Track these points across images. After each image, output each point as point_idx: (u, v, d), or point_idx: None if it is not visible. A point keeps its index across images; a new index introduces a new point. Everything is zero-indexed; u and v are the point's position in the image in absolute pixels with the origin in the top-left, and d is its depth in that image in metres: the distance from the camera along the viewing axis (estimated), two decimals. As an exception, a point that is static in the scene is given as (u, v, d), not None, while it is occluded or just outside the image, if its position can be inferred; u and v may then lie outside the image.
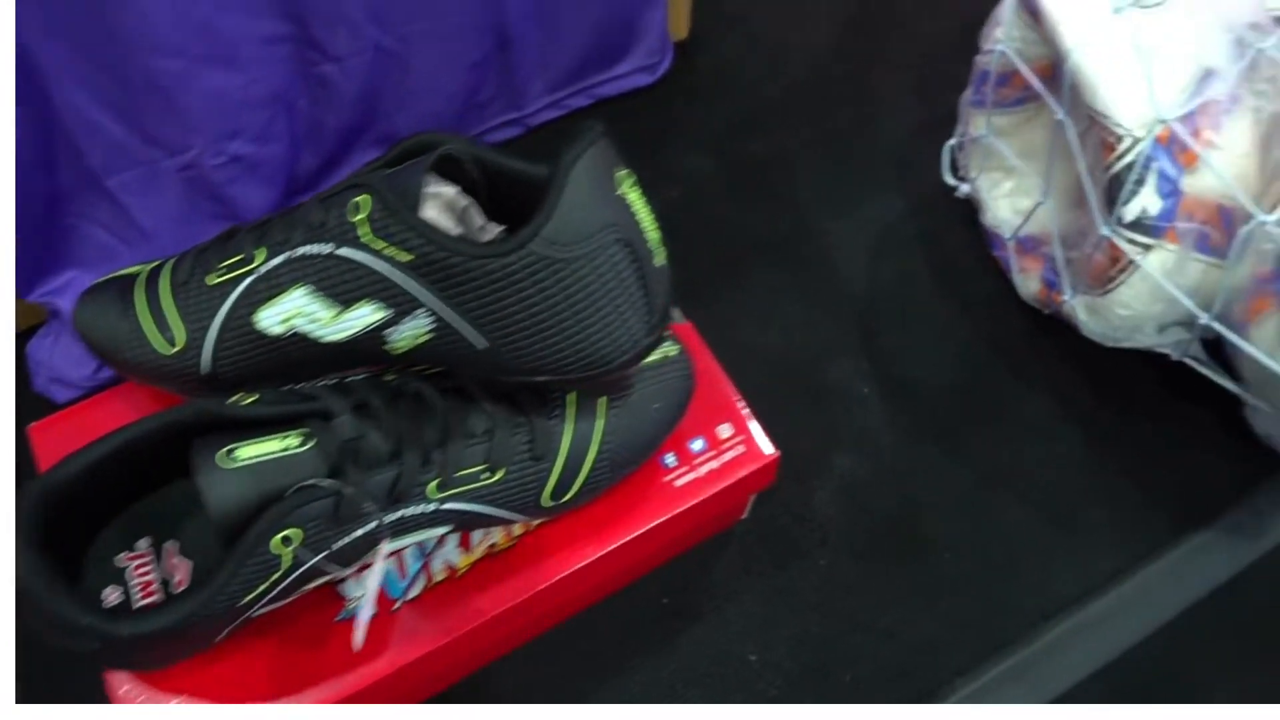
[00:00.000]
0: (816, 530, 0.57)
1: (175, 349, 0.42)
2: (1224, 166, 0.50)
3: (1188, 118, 0.50)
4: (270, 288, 0.39)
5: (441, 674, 0.49)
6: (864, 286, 0.66)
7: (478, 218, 0.41)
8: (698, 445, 0.49)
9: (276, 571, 0.37)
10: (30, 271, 0.54)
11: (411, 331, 0.39)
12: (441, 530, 0.41)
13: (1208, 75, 0.50)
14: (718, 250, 0.67)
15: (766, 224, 0.68)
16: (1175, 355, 0.57)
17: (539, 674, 0.52)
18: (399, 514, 0.39)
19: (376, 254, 0.37)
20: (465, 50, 0.60)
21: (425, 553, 0.45)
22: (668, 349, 0.46)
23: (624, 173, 0.38)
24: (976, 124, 0.63)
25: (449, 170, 0.40)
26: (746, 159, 0.71)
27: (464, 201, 0.41)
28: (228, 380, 0.41)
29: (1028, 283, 0.63)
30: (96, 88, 0.49)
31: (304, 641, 0.44)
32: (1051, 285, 0.60)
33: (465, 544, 0.46)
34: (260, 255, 0.40)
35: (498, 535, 0.46)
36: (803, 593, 0.56)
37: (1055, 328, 0.62)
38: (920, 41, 0.77)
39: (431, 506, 0.40)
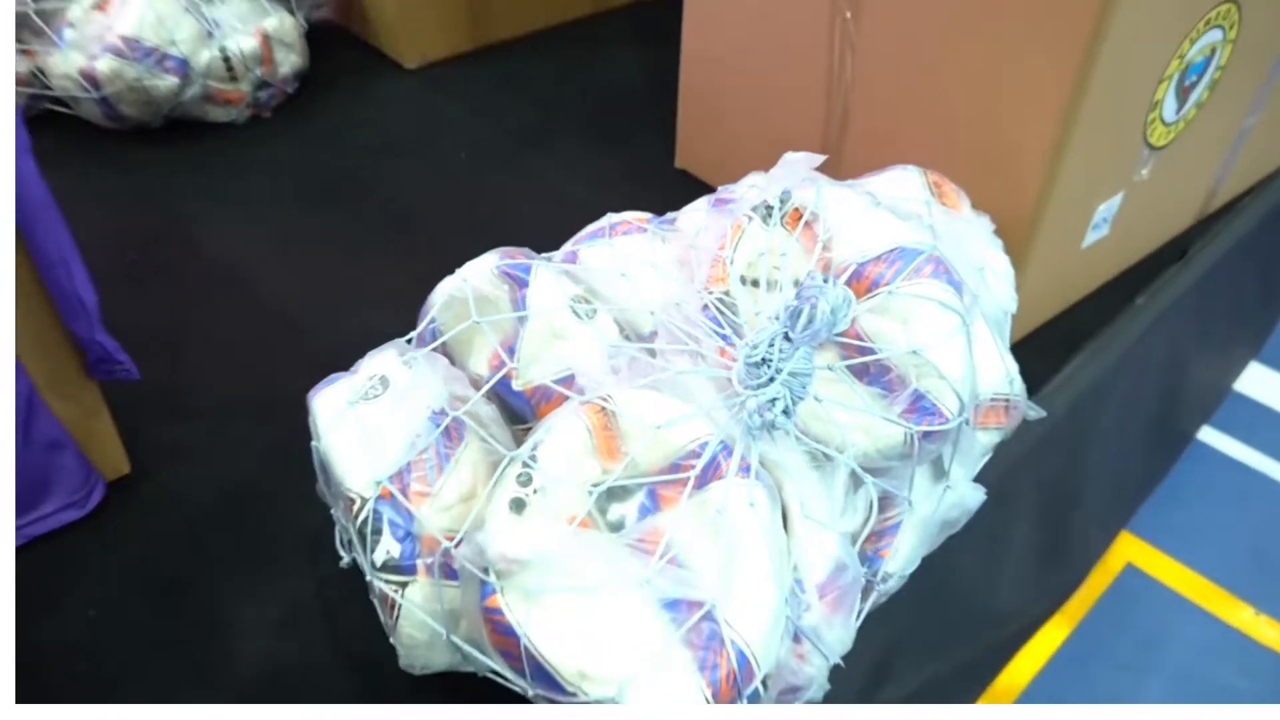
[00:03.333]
0: None
1: None
2: (438, 510, 0.62)
3: (399, 475, 0.62)
4: None
5: None
6: (265, 666, 0.72)
7: None
8: None
9: None
10: None
11: None
12: None
13: (413, 438, 0.64)
14: (124, 660, 0.72)
15: (181, 619, 0.75)
16: (479, 672, 0.65)
17: None
18: None
19: None
20: None
21: None
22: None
23: None
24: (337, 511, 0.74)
25: None
26: (165, 567, 0.79)
27: None
28: None
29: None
30: None
31: None
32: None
33: None
34: None
35: None
36: None
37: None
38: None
39: None
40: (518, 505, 0.59)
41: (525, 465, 0.60)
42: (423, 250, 1.11)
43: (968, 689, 1.21)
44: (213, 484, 0.85)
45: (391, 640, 0.67)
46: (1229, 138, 1.11)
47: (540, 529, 0.57)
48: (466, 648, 0.60)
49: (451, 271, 0.75)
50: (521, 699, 0.59)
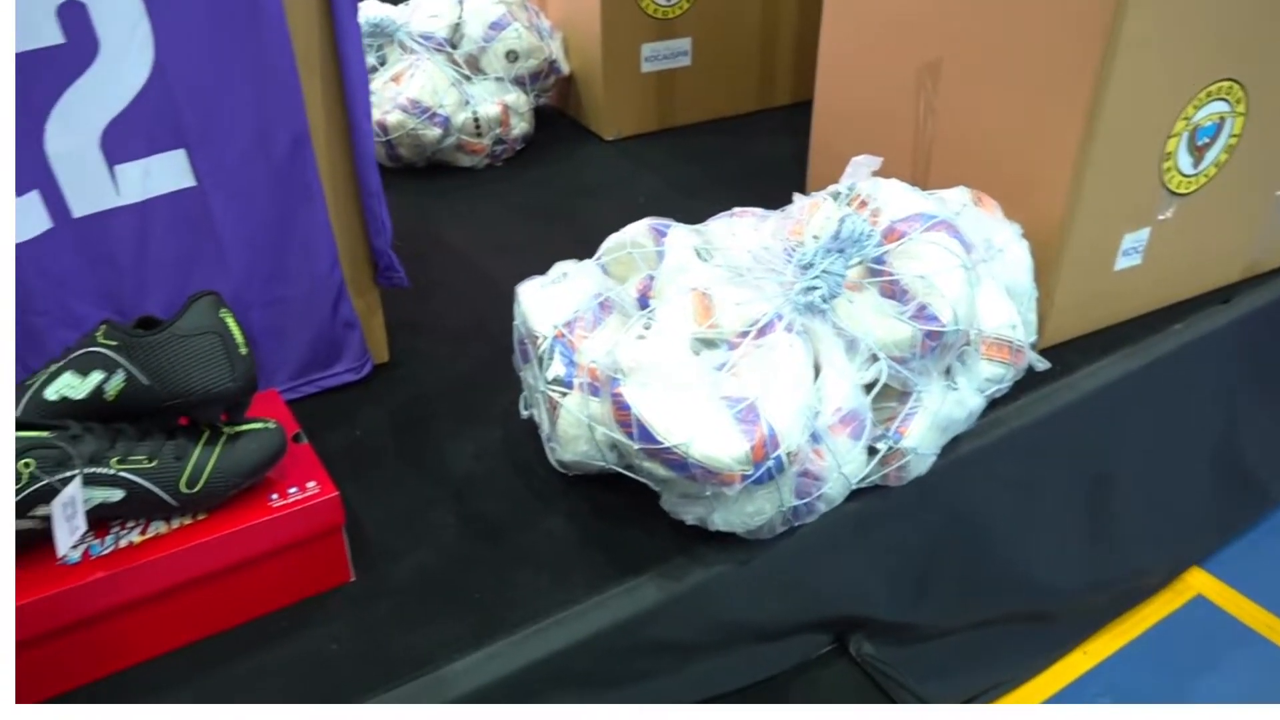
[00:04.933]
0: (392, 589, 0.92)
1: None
2: (590, 349, 0.95)
3: (569, 325, 0.96)
4: (51, 376, 0.81)
5: (120, 601, 0.81)
6: (465, 472, 1.06)
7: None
8: (292, 490, 0.87)
9: (19, 483, 0.74)
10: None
11: (116, 383, 0.80)
12: (118, 493, 0.78)
13: (580, 306, 0.98)
14: (377, 459, 1.08)
15: (414, 444, 1.10)
16: (610, 466, 0.96)
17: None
18: (92, 470, 0.77)
19: (103, 345, 0.80)
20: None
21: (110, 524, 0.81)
22: (267, 424, 0.86)
23: (225, 310, 0.83)
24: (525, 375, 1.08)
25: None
26: (407, 416, 1.15)
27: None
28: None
29: (551, 456, 1.03)
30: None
31: (37, 570, 0.78)
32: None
33: (144, 531, 0.82)
34: (50, 366, 0.82)
35: (161, 527, 0.82)
36: (377, 618, 0.89)
37: (574, 479, 1.02)
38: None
39: (111, 471, 0.78)
40: (640, 337, 0.91)
41: (648, 319, 0.93)
42: (593, 251, 1.48)
43: (1021, 660, 1.38)
44: (441, 375, 1.22)
45: (548, 445, 1.00)
46: (1262, 203, 1.34)
47: (654, 346, 0.89)
48: (600, 430, 0.92)
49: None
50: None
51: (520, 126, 1.77)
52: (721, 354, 0.91)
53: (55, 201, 0.93)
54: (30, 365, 0.96)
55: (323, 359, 1.16)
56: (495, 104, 1.72)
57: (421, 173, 1.74)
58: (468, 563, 0.95)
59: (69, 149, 0.91)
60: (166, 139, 0.96)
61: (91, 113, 0.91)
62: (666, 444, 0.85)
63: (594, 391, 0.94)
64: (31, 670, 0.79)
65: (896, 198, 1.02)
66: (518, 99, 1.76)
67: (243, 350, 0.83)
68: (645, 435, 0.86)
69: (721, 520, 0.90)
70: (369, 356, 1.19)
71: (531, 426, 1.08)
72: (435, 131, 1.67)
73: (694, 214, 1.16)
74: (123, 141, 0.94)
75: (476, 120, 1.70)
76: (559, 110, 1.97)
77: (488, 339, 1.29)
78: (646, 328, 0.92)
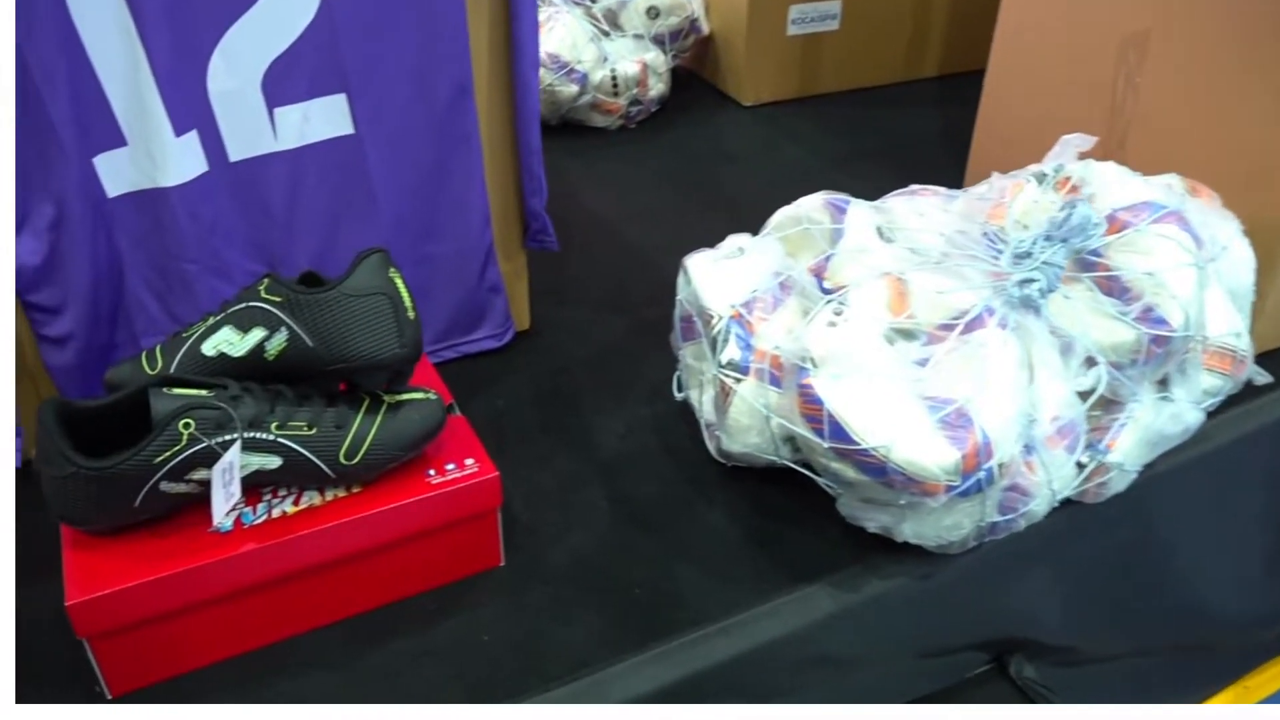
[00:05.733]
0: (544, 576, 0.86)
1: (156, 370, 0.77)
2: (769, 334, 0.87)
3: (747, 305, 0.88)
4: (209, 330, 0.76)
5: (271, 575, 0.76)
6: (614, 451, 1.00)
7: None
8: (450, 466, 0.81)
9: (178, 444, 0.69)
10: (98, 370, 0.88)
11: (277, 342, 0.74)
12: (275, 460, 0.73)
13: (759, 285, 0.89)
14: (521, 431, 1.02)
15: (559, 417, 1.04)
16: (782, 462, 0.88)
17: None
18: (251, 434, 0.72)
19: (266, 300, 0.75)
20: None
21: (263, 492, 0.76)
22: (428, 394, 0.80)
23: (394, 269, 0.77)
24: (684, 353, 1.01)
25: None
26: (550, 387, 1.08)
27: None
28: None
29: (712, 444, 0.96)
30: (147, 280, 0.90)
31: (188, 537, 0.73)
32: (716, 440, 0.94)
33: (296, 501, 0.77)
34: (208, 319, 0.77)
35: (315, 498, 0.77)
36: (530, 607, 0.83)
37: (733, 470, 0.95)
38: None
39: (271, 437, 0.72)
40: (831, 324, 0.83)
41: (839, 304, 0.84)
42: (740, 223, 1.39)
43: (1177, 691, 1.27)
44: (584, 344, 1.15)
45: (710, 431, 0.92)
46: None
47: (848, 335, 0.81)
48: (778, 422, 0.84)
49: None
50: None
51: (657, 88, 1.69)
52: (918, 348, 0.82)
53: (213, 144, 0.87)
54: (178, 315, 0.92)
55: (465, 323, 1.10)
56: (634, 62, 1.64)
57: (553, 131, 1.66)
58: (622, 552, 0.89)
59: (231, 89, 0.86)
60: (328, 83, 0.90)
61: (255, 52, 0.86)
62: (864, 445, 0.76)
63: (774, 381, 0.86)
64: (181, 641, 0.75)
65: (1116, 183, 0.92)
66: (656, 58, 1.67)
67: (411, 314, 0.77)
68: (838, 433, 0.78)
69: (912, 532, 0.81)
70: (511, 323, 1.13)
71: (681, 406, 1.00)
72: (572, 89, 1.60)
73: (841, 187, 1.07)
74: (284, 83, 0.88)
75: (614, 79, 1.62)
76: (693, 73, 1.87)
77: (630, 309, 1.22)
78: (837, 313, 0.84)
